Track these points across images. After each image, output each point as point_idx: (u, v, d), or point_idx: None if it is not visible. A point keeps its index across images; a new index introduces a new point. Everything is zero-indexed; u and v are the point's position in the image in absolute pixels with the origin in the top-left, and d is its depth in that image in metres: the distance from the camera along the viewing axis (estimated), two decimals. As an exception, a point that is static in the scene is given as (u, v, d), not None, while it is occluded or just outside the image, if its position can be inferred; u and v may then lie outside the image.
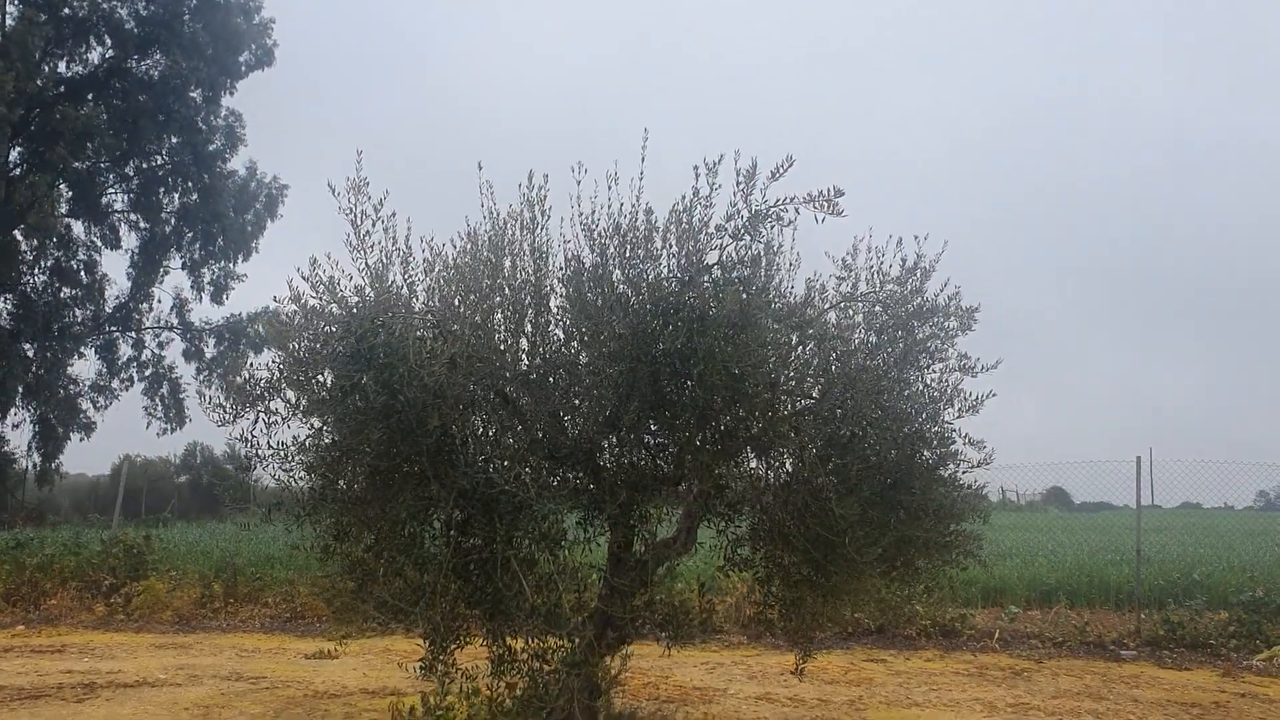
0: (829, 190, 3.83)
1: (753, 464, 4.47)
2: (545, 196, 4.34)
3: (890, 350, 4.45)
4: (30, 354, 27.09)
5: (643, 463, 4.36)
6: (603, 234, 4.17)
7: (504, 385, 4.25)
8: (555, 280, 4.33)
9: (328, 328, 4.12)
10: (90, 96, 26.41)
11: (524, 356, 4.30)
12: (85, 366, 29.61)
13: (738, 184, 3.93)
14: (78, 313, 28.47)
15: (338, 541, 4.33)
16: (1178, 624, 9.35)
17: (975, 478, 4.61)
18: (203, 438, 37.17)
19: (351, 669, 7.49)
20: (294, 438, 4.15)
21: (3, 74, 21.73)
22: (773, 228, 4.06)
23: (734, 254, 4.06)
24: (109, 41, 26.67)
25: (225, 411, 4.17)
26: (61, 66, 26.85)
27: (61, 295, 28.03)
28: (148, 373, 29.01)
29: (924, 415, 4.44)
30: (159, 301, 29.13)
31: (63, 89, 26.44)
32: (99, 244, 28.26)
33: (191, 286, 28.85)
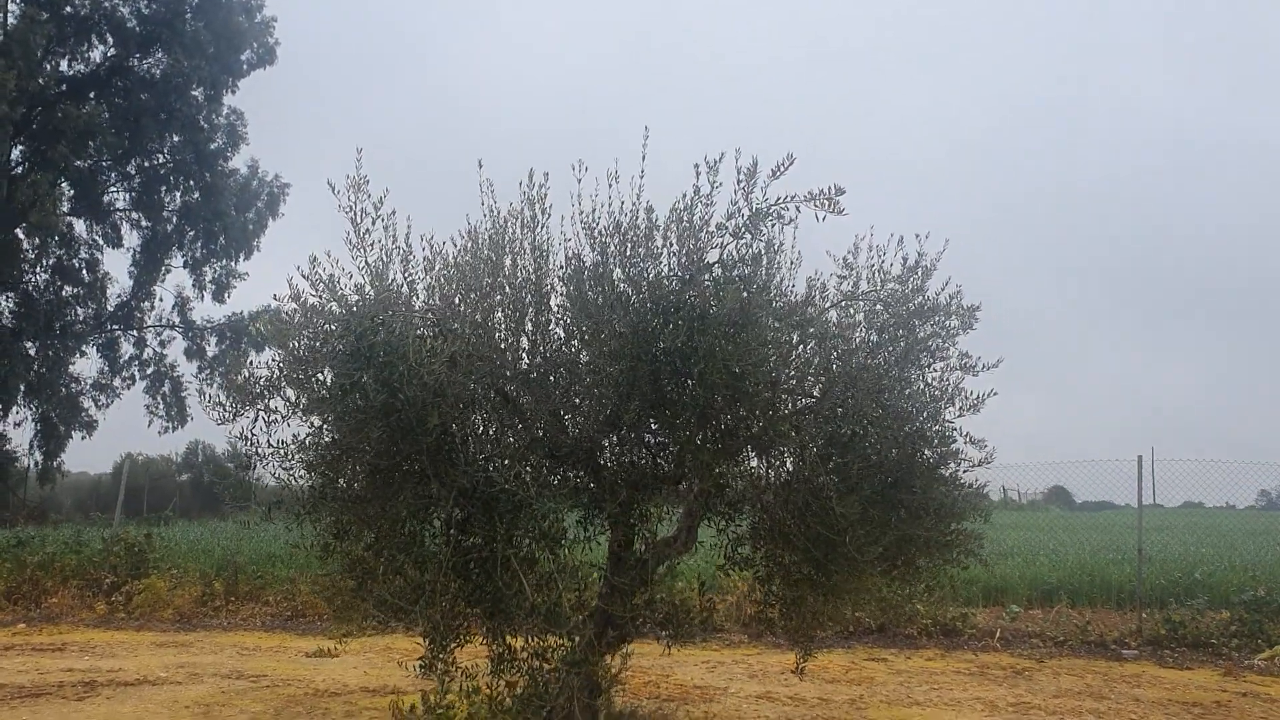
0: (830, 189, 3.83)
1: (753, 463, 4.46)
2: (546, 195, 4.33)
3: (891, 349, 4.44)
4: (32, 352, 27.15)
5: (643, 461, 4.35)
6: (603, 232, 4.16)
7: (504, 384, 4.24)
8: (556, 279, 4.32)
9: (328, 326, 4.11)
10: (92, 95, 26.47)
11: (524, 355, 4.29)
12: (87, 365, 29.68)
13: (738, 182, 3.92)
14: (79, 311, 28.54)
15: (338, 540, 4.33)
16: (1179, 623, 9.34)
17: (976, 477, 4.62)
18: (204, 436, 37.33)
19: (352, 667, 7.50)
20: (294, 436, 4.15)
21: (4, 72, 21.77)
22: (773, 226, 4.05)
23: (735, 252, 4.05)
24: (111, 40, 26.71)
25: (225, 410, 4.17)
26: (63, 65, 26.96)
27: (63, 294, 28.09)
28: (149, 371, 29.14)
29: (925, 414, 4.43)
30: (160, 300, 29.31)
31: (64, 87, 26.49)
32: (101, 242, 28.42)
33: (193, 285, 29.03)
